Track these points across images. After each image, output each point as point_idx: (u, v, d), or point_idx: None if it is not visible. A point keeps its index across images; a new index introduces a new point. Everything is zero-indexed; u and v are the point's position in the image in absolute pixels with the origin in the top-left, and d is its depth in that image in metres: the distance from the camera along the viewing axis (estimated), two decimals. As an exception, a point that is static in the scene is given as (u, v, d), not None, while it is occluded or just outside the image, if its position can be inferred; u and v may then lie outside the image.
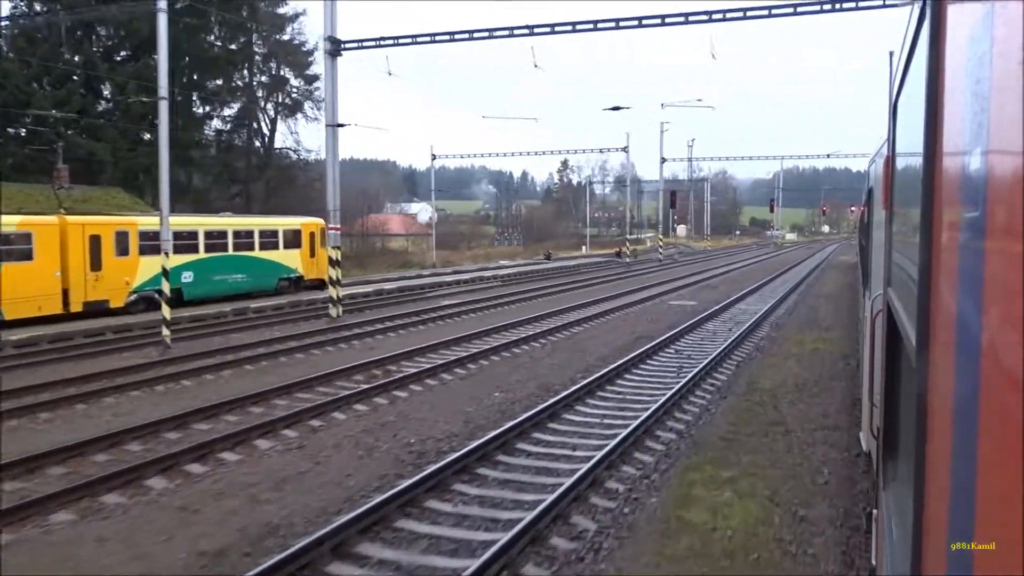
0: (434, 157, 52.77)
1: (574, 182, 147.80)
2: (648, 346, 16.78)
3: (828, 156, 55.18)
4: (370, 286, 33.56)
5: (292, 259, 29.11)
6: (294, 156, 47.68)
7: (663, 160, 57.11)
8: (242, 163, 46.17)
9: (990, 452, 0.88)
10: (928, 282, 1.50)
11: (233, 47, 42.51)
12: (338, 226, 23.35)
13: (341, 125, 23.08)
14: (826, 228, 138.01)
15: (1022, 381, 0.73)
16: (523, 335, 19.08)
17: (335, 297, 23.23)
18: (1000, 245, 0.85)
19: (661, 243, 57.68)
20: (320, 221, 31.90)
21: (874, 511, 4.31)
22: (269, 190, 44.86)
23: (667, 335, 18.44)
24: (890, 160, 3.37)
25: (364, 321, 22.62)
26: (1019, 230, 0.76)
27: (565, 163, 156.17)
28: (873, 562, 3.72)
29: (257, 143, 47.39)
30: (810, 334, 19.18)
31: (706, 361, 14.92)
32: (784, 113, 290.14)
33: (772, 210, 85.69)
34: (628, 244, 51.47)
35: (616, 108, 35.98)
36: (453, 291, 33.49)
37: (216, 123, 45.65)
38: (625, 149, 49.51)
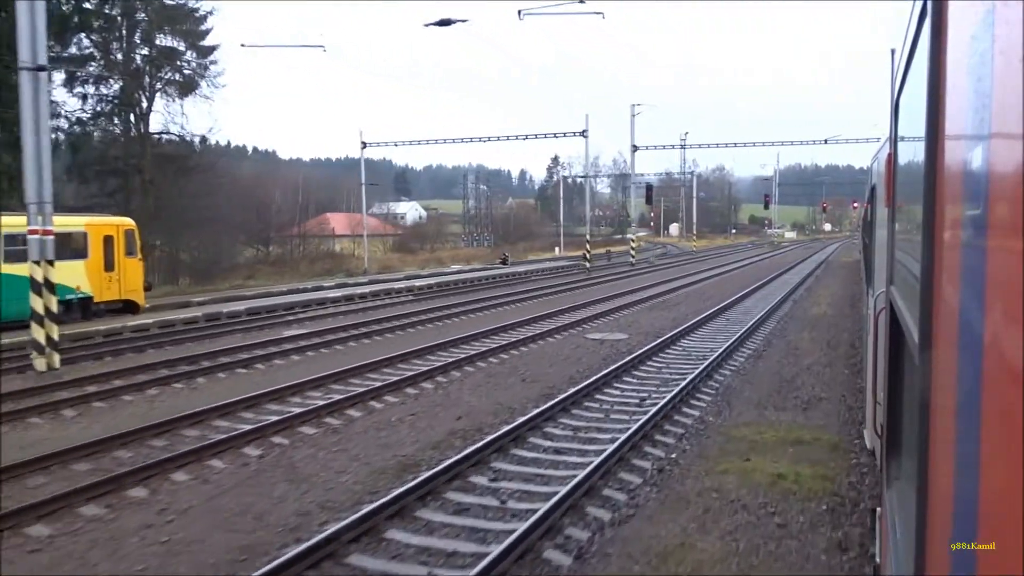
0: (364, 145, 43.99)
1: (570, 179, 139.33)
2: (444, 466, 8.06)
3: (826, 142, 45.85)
4: (212, 307, 24.81)
5: (73, 274, 20.35)
6: (178, 141, 38.74)
7: (634, 148, 48.17)
8: (119, 152, 37.46)
9: (993, 451, 0.86)
10: (930, 280, 1.47)
11: (89, 6, 33.77)
12: (47, 228, 14.59)
13: (41, 68, 14.34)
14: (828, 226, 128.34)
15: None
16: (265, 421, 10.35)
17: (43, 340, 14.53)
18: (1002, 243, 0.84)
19: (633, 245, 48.71)
20: (126, 221, 23.23)
21: (878, 509, 3.88)
22: (145, 184, 36.10)
23: (518, 422, 9.78)
24: (892, 158, 3.35)
25: (99, 375, 13.95)
26: (1021, 228, 0.75)
27: (555, 159, 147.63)
28: (877, 560, 3.38)
29: (142, 130, 38.58)
30: (777, 423, 10.30)
31: (521, 530, 6.22)
32: (782, 105, 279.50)
33: (767, 206, 76.43)
34: (589, 247, 42.46)
35: (444, 23, 25.84)
36: (328, 311, 24.76)
37: (90, 103, 36.84)
38: (584, 133, 40.61)
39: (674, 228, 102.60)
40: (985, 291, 0.92)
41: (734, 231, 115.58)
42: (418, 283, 33.21)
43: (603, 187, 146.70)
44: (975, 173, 0.99)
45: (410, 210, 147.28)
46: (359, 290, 30.38)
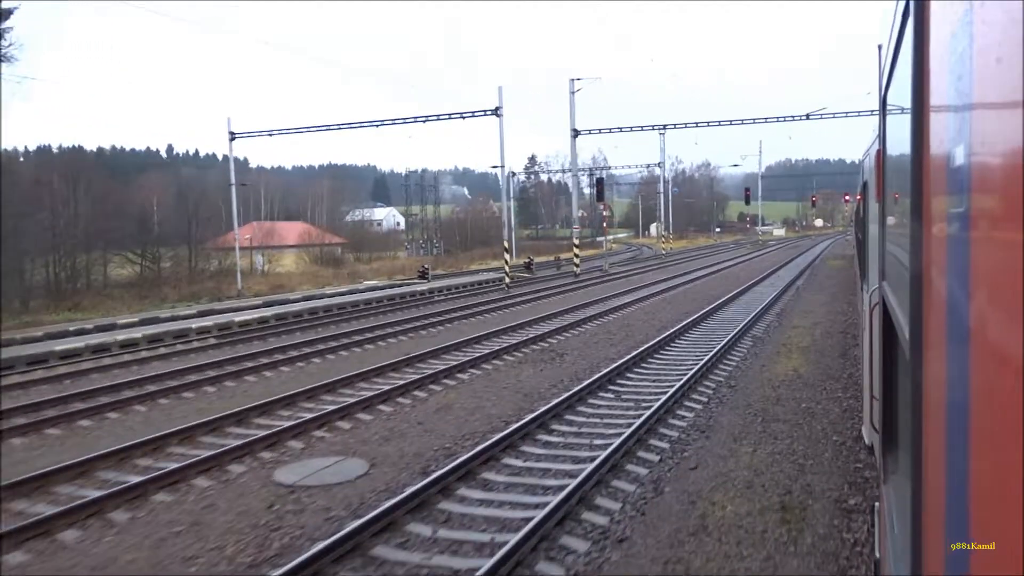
0: (232, 136, 34.24)
1: (556, 179, 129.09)
2: None
3: (808, 117, 36.17)
4: None
5: None
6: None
7: (575, 133, 38.36)
8: None
9: (984, 447, 0.85)
10: (920, 275, 1.45)
11: None
12: None
13: None
14: (819, 222, 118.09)
15: (1015, 373, 0.70)
16: None
17: None
18: (987, 237, 0.83)
19: (577, 251, 38.81)
20: None
21: (876, 504, 3.82)
22: None
23: None
24: (881, 153, 3.26)
25: None
26: (1005, 222, 0.74)
27: (532, 159, 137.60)
28: (876, 555, 3.28)
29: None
30: None
31: None
32: (766, 89, 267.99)
33: (748, 201, 66.42)
34: (509, 257, 32.57)
35: None
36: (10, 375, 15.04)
37: None
38: (497, 112, 30.77)
39: (654, 228, 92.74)
40: (974, 286, 0.91)
41: (718, 230, 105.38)
42: (243, 318, 23.36)
43: (587, 187, 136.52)
44: (959, 169, 0.98)
45: (387, 216, 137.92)
46: (140, 332, 20.55)
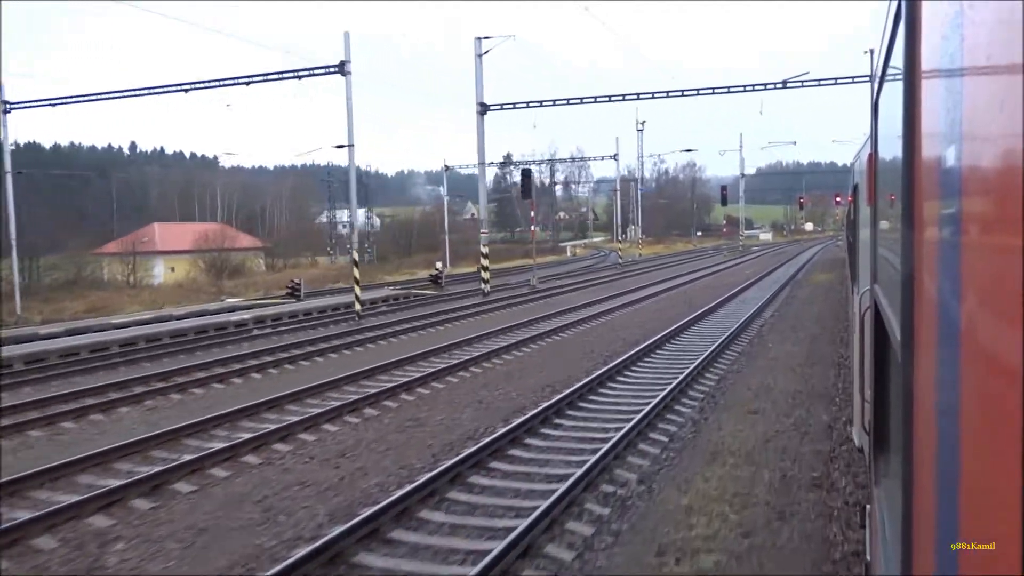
0: (7, 108, 24.45)
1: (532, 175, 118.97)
2: None
3: (785, 85, 26.70)
4: None
5: None
6: None
7: (483, 109, 28.56)
8: None
9: (975, 448, 0.83)
10: (911, 278, 1.42)
11: None
12: None
13: None
14: (809, 226, 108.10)
15: (1006, 374, 0.69)
16: None
17: None
18: (979, 239, 0.82)
19: (485, 262, 28.89)
20: None
21: (868, 506, 3.64)
22: None
23: None
24: (873, 156, 3.20)
25: None
26: (996, 224, 0.73)
27: (508, 157, 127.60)
28: (868, 557, 3.18)
29: None
30: None
31: None
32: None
33: (724, 202, 56.55)
34: (358, 273, 22.71)
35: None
36: None
37: None
38: (343, 69, 21.01)
39: (632, 231, 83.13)
40: (965, 289, 0.89)
41: (699, 234, 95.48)
42: None
43: (581, 184, 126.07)
44: (950, 171, 0.96)
45: (360, 218, 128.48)
46: None
